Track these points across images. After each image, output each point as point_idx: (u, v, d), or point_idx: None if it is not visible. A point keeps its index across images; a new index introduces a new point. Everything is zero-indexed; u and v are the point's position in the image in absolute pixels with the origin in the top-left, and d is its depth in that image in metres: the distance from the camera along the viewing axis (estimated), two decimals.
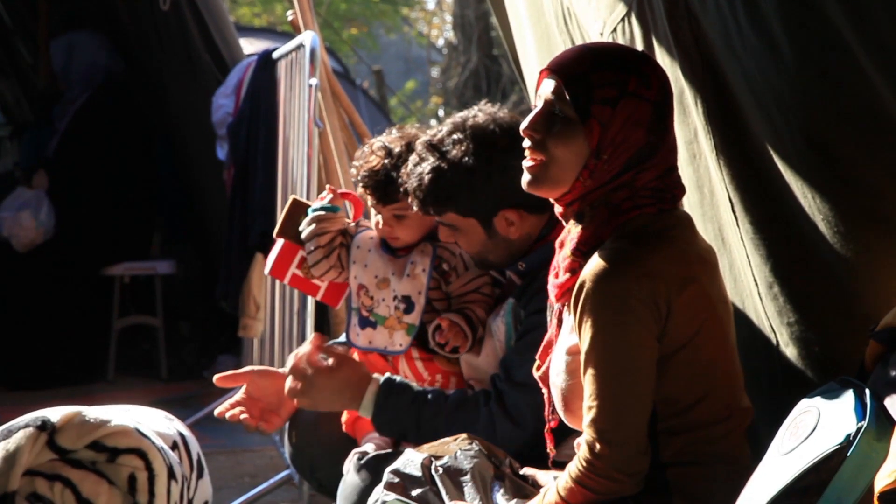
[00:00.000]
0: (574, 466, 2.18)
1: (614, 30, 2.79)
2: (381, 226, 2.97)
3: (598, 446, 2.14)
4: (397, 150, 2.92)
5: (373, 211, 3.00)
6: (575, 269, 2.22)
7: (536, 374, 2.40)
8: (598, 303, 2.14)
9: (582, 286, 2.16)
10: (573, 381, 2.23)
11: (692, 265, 2.20)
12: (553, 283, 2.30)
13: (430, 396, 2.75)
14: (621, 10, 2.75)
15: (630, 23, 2.73)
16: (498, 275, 2.92)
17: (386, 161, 2.92)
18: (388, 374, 2.80)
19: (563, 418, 2.30)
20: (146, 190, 6.69)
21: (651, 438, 2.18)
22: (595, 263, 2.17)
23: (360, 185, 2.96)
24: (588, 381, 2.16)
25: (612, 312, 2.14)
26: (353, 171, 3.00)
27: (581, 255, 2.22)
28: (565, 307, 2.29)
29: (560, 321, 2.32)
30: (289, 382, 2.81)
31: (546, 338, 2.38)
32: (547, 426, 2.42)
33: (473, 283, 2.94)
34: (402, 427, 2.75)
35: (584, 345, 2.16)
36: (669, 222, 2.23)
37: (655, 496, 2.18)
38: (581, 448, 2.18)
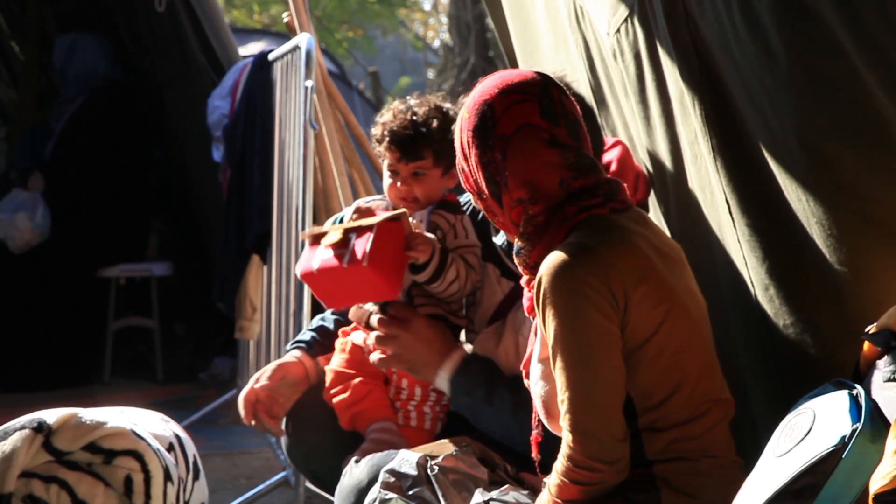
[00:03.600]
0: (558, 462, 2.21)
1: (618, 30, 2.79)
2: (399, 185, 2.96)
3: (573, 437, 2.16)
4: (421, 110, 2.95)
5: (386, 174, 2.99)
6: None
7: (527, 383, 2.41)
8: (555, 296, 2.18)
9: (539, 284, 2.20)
10: (549, 387, 2.26)
11: (647, 257, 2.23)
12: (525, 297, 2.34)
13: (504, 380, 2.74)
14: (623, 11, 2.76)
15: (633, 24, 2.73)
16: (511, 265, 2.91)
17: (412, 118, 2.94)
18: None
19: (545, 424, 2.31)
20: (142, 192, 6.68)
21: (634, 437, 2.20)
22: (549, 261, 2.21)
23: (385, 140, 2.95)
24: (557, 375, 2.19)
25: (568, 303, 2.17)
26: (376, 129, 2.99)
27: (536, 268, 2.26)
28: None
29: (537, 333, 2.33)
30: (375, 357, 2.81)
31: (528, 349, 2.40)
32: (533, 435, 2.43)
33: (467, 246, 2.93)
34: (470, 396, 2.75)
35: (550, 340, 2.19)
36: (620, 221, 2.27)
37: (643, 492, 2.19)
38: (562, 443, 2.20)
